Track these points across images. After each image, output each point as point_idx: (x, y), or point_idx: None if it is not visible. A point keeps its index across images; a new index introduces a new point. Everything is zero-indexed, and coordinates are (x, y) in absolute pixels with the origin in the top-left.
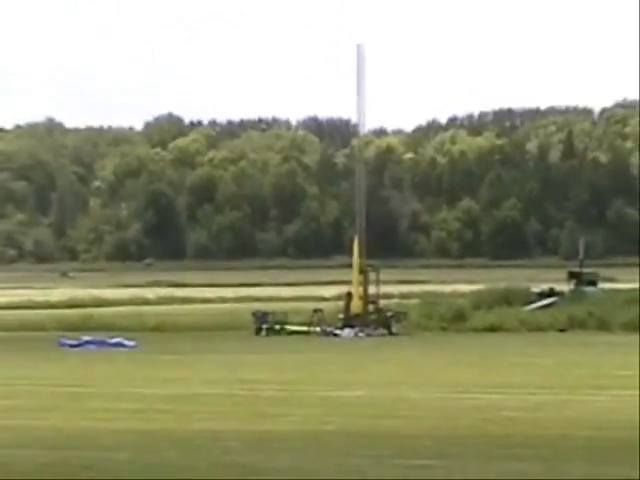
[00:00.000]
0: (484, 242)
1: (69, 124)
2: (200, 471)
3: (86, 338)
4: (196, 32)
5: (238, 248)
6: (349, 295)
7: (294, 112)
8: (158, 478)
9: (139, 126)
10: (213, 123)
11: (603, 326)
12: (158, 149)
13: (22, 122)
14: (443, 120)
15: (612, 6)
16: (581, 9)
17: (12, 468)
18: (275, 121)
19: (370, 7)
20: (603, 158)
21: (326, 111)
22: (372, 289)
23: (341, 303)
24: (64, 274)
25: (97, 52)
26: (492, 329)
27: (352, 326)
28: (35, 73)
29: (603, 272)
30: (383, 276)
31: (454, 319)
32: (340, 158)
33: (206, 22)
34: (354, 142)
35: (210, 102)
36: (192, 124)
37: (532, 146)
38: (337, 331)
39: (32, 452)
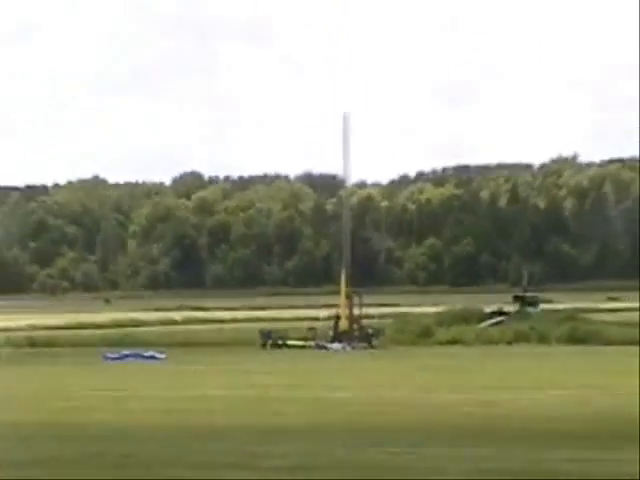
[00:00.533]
0: (446, 272)
1: (111, 180)
2: (216, 457)
3: (125, 352)
4: (211, 104)
5: (248, 278)
6: (337, 316)
7: (292, 169)
8: (182, 463)
9: (168, 181)
10: (227, 178)
11: (542, 339)
12: (183, 199)
13: (73, 178)
14: (412, 174)
15: (550, 78)
16: (524, 84)
17: (67, 456)
18: (277, 176)
19: (353, 83)
20: (541, 204)
21: (318, 168)
22: (356, 311)
23: (331, 322)
24: (107, 301)
25: (134, 123)
26: (453, 342)
27: (340, 341)
28: (85, 141)
29: (542, 296)
30: (365, 300)
31: (422, 335)
32: (330, 205)
33: (217, 97)
34: (341, 192)
35: (225, 161)
36: (210, 179)
37: (484, 195)
38: (328, 345)
39: (83, 444)
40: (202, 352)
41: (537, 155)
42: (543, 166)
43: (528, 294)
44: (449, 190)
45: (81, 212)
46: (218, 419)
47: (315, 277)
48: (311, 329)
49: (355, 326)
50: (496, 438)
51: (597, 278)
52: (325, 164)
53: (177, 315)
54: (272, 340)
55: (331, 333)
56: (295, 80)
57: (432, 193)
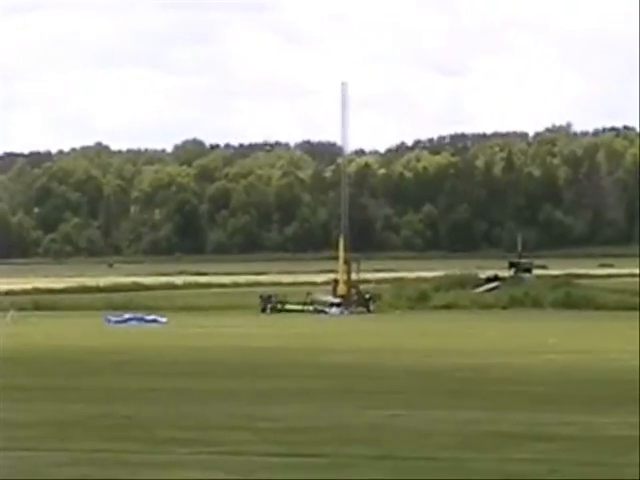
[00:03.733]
0: (442, 238)
1: (114, 147)
2: (215, 419)
3: (128, 315)
4: (212, 73)
5: (248, 244)
6: (336, 281)
7: (292, 137)
8: (182, 425)
9: (169, 148)
10: (228, 146)
11: (536, 304)
12: (184, 167)
13: (77, 145)
14: (409, 142)
15: (543, 51)
16: (519, 56)
17: (69, 417)
18: (277, 144)
19: (352, 51)
20: (536, 172)
21: (317, 136)
22: (354, 276)
23: (329, 287)
24: (110, 265)
25: (136, 92)
26: (449, 307)
27: (338, 305)
28: (89, 109)
29: (536, 262)
30: (362, 266)
31: (419, 299)
32: (328, 173)
33: (219, 66)
34: (339, 160)
35: (225, 129)
36: (211, 147)
37: (480, 163)
38: (326, 309)
39: (85, 405)
40: (203, 316)
41: (532, 124)
42: (538, 135)
43: (523, 260)
44: (445, 158)
45: (85, 179)
46: (218, 381)
47: (314, 243)
48: (310, 294)
49: (353, 291)
50: (490, 402)
51: (590, 245)
52: (324, 132)
53: (179, 280)
54: (272, 304)
55: (329, 298)
56: (295, 48)
57: (429, 161)
